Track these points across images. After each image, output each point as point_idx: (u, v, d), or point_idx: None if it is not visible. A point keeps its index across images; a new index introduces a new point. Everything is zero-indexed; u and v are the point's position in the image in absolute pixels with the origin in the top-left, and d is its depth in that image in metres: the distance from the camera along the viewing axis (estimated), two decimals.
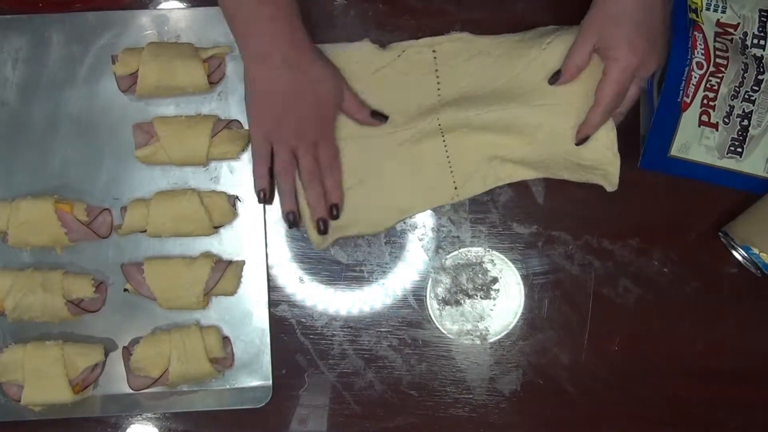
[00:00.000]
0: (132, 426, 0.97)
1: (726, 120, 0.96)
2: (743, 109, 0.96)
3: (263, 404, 0.96)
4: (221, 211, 0.96)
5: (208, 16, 0.99)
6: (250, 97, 0.91)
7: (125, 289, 0.95)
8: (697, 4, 0.97)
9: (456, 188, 0.98)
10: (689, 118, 0.96)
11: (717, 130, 0.96)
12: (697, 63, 0.95)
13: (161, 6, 1.00)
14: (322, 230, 0.94)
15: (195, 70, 0.95)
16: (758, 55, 0.97)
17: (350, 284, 0.99)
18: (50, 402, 0.93)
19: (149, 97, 0.97)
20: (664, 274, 0.99)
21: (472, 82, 0.98)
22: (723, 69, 0.96)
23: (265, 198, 0.93)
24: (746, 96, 0.96)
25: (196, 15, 0.99)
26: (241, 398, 0.96)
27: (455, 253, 0.99)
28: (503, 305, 0.99)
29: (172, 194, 0.96)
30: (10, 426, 0.95)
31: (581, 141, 0.94)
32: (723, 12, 0.97)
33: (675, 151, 0.97)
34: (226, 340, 0.96)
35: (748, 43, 0.97)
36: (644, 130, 0.99)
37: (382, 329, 0.99)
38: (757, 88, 0.96)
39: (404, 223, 0.99)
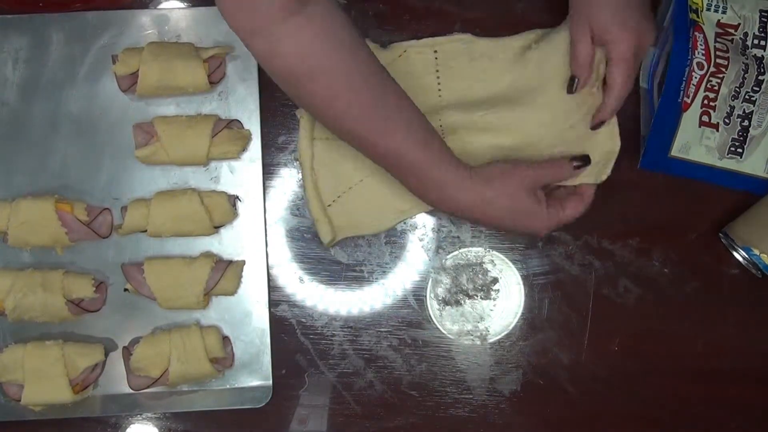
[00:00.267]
0: (132, 426, 0.97)
1: (726, 120, 0.96)
2: (744, 109, 0.96)
3: (263, 404, 0.95)
4: (221, 211, 0.96)
5: (209, 16, 0.98)
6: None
7: (125, 289, 0.95)
8: (697, 4, 0.97)
9: None
10: (690, 119, 0.96)
11: (717, 130, 0.96)
12: (698, 63, 0.95)
13: (162, 6, 1.00)
14: None
15: (195, 70, 0.95)
16: (759, 55, 0.97)
17: (350, 284, 0.99)
18: (50, 402, 0.93)
19: (149, 97, 0.97)
20: (664, 274, 0.99)
21: (473, 84, 0.98)
22: (723, 69, 0.96)
23: None
24: (747, 96, 0.96)
25: (197, 15, 0.99)
26: (241, 398, 0.96)
27: (455, 253, 0.99)
28: (503, 305, 0.99)
29: (173, 194, 0.96)
30: (10, 426, 0.95)
31: (596, 126, 0.94)
32: (723, 12, 0.97)
33: (675, 151, 0.97)
34: (226, 340, 0.96)
35: (749, 43, 0.97)
36: (644, 131, 0.99)
37: (383, 329, 0.99)
38: (757, 89, 0.96)
39: (404, 223, 0.99)
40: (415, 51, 0.99)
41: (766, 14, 0.97)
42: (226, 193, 0.97)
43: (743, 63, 0.96)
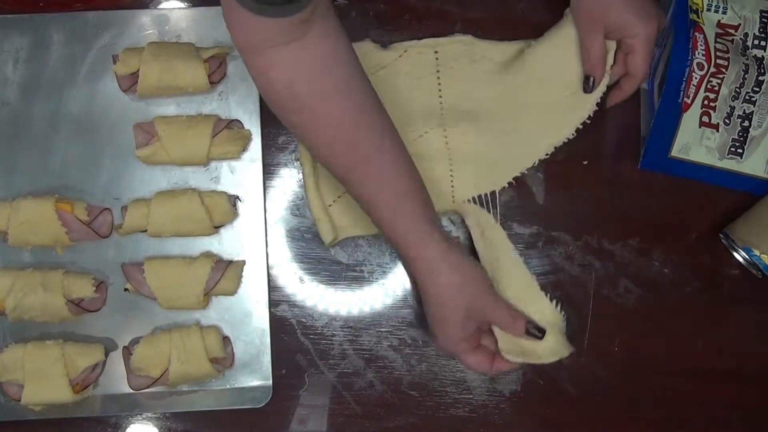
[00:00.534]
0: (132, 426, 0.97)
1: (727, 121, 0.96)
2: (744, 110, 0.96)
3: (263, 404, 0.95)
4: (222, 211, 0.96)
5: (209, 16, 0.98)
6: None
7: (125, 289, 0.95)
8: (697, 4, 0.97)
9: (453, 187, 0.98)
10: (690, 119, 0.96)
11: (717, 131, 0.96)
12: (698, 64, 0.95)
13: (162, 6, 1.00)
14: None
15: (196, 70, 0.95)
16: (759, 56, 0.97)
17: (350, 284, 0.99)
18: (50, 402, 0.93)
19: (150, 97, 0.97)
20: (664, 274, 0.99)
21: (473, 85, 0.98)
22: (724, 70, 0.96)
23: None
24: (747, 97, 0.96)
25: (197, 15, 0.99)
26: (241, 398, 0.96)
27: None
28: None
29: (173, 194, 0.96)
30: (10, 426, 0.95)
31: (612, 105, 0.95)
32: (724, 13, 0.97)
33: (675, 151, 0.97)
34: (226, 340, 0.96)
35: (749, 44, 0.97)
36: (645, 131, 0.99)
37: (383, 329, 0.99)
38: (757, 89, 0.96)
39: None
40: (416, 51, 0.99)
41: (766, 15, 0.97)
42: (226, 193, 0.97)
43: (743, 63, 0.96)
